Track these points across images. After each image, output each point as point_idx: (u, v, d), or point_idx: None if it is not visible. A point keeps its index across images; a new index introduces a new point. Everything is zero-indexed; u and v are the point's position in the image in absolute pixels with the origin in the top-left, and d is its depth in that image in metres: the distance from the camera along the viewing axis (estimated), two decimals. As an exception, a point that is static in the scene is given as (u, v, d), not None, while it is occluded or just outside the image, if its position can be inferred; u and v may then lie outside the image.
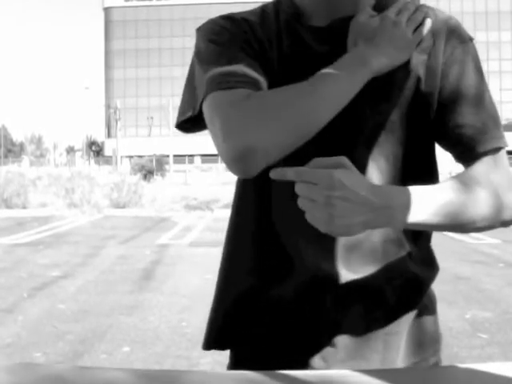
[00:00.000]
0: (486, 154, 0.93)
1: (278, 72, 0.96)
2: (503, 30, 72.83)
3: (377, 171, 0.95)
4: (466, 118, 0.94)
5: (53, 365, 3.47)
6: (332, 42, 0.96)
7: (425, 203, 0.85)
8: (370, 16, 0.95)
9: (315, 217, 0.77)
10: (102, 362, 3.83)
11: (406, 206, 0.82)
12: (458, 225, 0.89)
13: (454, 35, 0.97)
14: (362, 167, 0.94)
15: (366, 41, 0.92)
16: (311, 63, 0.93)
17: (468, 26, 72.27)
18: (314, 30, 0.97)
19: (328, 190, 0.75)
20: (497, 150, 0.94)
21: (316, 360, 0.98)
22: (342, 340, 0.98)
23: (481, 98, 0.96)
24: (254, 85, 0.89)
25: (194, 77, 0.98)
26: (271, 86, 0.92)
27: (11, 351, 4.10)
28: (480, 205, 0.89)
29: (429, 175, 0.99)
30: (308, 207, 0.77)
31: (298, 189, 0.77)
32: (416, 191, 0.85)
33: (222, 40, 0.97)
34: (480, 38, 71.98)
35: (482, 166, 0.93)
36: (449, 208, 0.87)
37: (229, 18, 1.01)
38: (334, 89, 0.87)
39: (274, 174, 0.79)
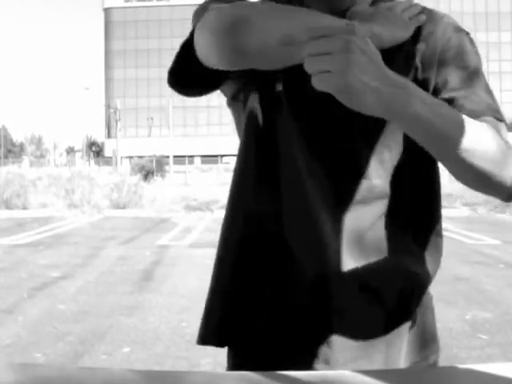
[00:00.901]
0: (491, 119, 0.92)
1: None
2: (503, 30, 72.84)
3: (379, 162, 0.96)
4: (465, 93, 0.93)
5: (53, 365, 3.47)
6: None
7: (466, 122, 0.82)
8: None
9: (329, 70, 0.70)
10: (102, 363, 3.83)
11: (425, 101, 0.78)
12: (492, 163, 0.84)
13: (451, 27, 0.99)
14: (362, 158, 0.95)
15: (362, 21, 0.93)
16: None
17: (468, 27, 71.91)
18: None
19: (349, 35, 0.71)
20: (500, 120, 0.93)
21: (319, 362, 0.97)
22: (345, 340, 0.97)
23: (479, 75, 0.96)
24: None
25: None
26: (275, 73, 0.94)
27: (11, 351, 4.10)
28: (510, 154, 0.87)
29: (430, 163, 1.00)
30: (320, 62, 0.71)
31: (309, 47, 0.72)
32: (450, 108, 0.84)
33: None
34: (480, 39, 71.93)
35: (494, 126, 0.90)
36: (491, 142, 0.85)
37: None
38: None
39: (281, 40, 0.77)
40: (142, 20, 79.03)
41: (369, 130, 0.95)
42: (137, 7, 79.52)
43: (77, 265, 7.65)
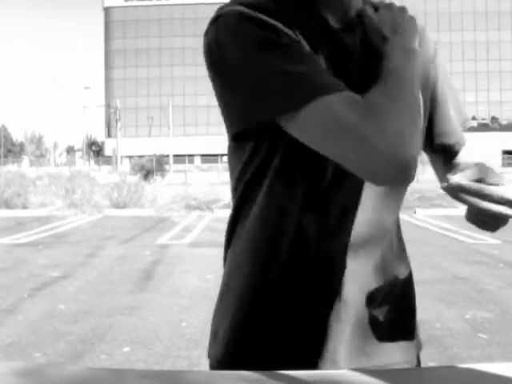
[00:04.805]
0: None
1: None
2: (503, 29, 72.82)
3: None
4: (452, 125, 1.07)
5: (53, 365, 3.47)
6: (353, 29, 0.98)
7: None
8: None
9: None
10: (102, 363, 3.83)
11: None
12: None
13: (428, 36, 1.05)
14: None
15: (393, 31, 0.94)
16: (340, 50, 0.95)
17: (468, 26, 72.30)
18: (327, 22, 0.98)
19: None
20: None
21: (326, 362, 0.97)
22: (344, 336, 0.97)
23: (459, 100, 1.08)
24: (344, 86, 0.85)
25: (245, 75, 0.86)
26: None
27: (11, 351, 4.10)
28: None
29: None
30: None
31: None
32: None
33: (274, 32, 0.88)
34: (480, 38, 71.93)
35: None
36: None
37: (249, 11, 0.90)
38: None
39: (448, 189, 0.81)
40: (142, 19, 79.00)
41: None
42: (137, 6, 79.48)
43: (77, 264, 7.65)
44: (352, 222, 0.96)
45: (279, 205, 0.96)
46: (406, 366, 1.02)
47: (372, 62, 0.93)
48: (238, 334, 0.99)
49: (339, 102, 0.81)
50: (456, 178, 0.82)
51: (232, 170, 1.02)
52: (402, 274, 1.04)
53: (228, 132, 0.94)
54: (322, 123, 0.82)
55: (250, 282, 0.98)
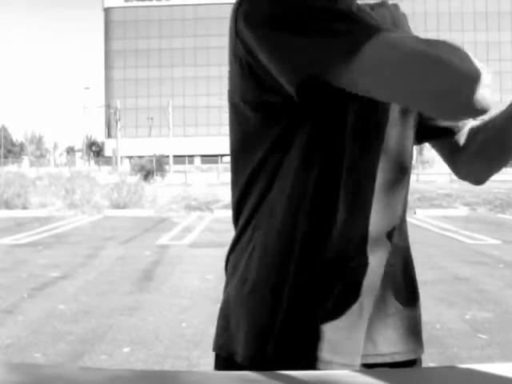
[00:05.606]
0: None
1: None
2: (503, 30, 72.86)
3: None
4: None
5: (53, 365, 3.47)
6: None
7: None
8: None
9: None
10: (102, 363, 3.83)
11: None
12: None
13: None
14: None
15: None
16: None
17: (468, 26, 72.31)
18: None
19: None
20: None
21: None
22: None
23: None
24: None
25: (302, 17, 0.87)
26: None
27: (11, 352, 4.10)
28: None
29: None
30: None
31: None
32: None
33: None
34: (480, 38, 71.97)
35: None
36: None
37: None
38: None
39: None
40: (142, 20, 79.03)
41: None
42: (137, 7, 79.51)
43: (77, 264, 7.66)
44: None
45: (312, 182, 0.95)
46: (412, 355, 1.01)
47: None
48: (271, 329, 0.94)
49: (396, 37, 0.83)
50: None
51: (252, 153, 0.98)
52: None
53: (290, 85, 0.86)
54: (388, 54, 0.81)
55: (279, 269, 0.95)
